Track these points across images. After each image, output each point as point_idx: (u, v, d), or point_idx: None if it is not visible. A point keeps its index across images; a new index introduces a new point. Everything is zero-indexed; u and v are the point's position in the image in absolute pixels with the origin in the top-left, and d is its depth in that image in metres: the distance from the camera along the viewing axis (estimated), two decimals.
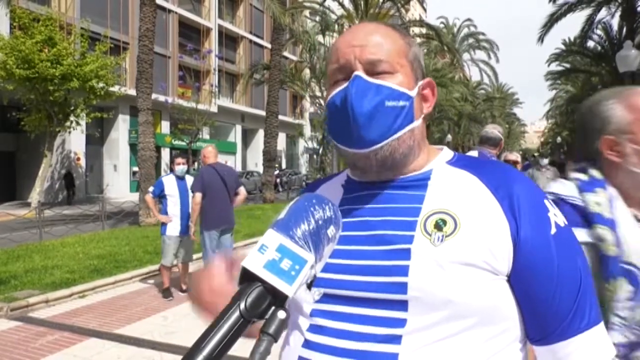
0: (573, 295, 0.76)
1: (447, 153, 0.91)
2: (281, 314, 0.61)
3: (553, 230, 0.78)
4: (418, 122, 0.86)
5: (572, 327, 0.76)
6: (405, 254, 0.76)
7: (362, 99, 0.80)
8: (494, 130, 4.15)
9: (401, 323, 0.74)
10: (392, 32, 0.87)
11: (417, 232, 0.77)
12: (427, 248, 0.75)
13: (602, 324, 0.79)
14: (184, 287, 6.18)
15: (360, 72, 0.82)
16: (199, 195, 5.51)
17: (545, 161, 8.27)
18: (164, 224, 6.01)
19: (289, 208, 0.70)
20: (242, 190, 5.92)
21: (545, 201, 0.81)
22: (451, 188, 0.82)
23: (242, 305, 0.60)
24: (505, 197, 0.78)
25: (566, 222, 0.82)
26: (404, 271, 0.75)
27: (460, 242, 0.75)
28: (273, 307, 0.61)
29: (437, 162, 0.88)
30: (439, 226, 0.77)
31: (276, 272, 0.61)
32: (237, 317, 0.60)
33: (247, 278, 0.62)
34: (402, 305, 0.74)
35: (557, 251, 0.76)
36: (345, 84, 0.82)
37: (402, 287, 0.74)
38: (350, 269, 0.79)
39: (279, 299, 0.62)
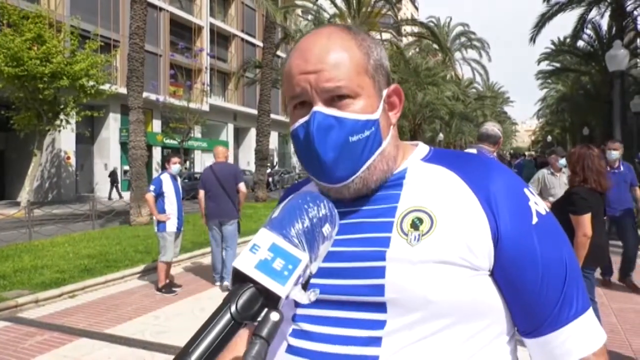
0: (560, 284, 0.75)
1: (422, 149, 0.89)
2: (274, 316, 0.59)
3: (534, 220, 0.76)
4: (387, 140, 0.82)
5: (561, 317, 0.75)
6: (382, 256, 0.75)
7: (325, 140, 0.76)
8: (493, 127, 4.19)
9: (380, 325, 0.73)
10: (348, 42, 0.80)
11: (393, 233, 0.76)
12: (403, 248, 0.74)
13: (590, 310, 0.78)
14: (167, 281, 6.21)
15: (319, 107, 0.77)
16: (200, 192, 6.28)
17: (563, 161, 6.00)
18: (161, 223, 6.11)
19: (282, 206, 0.68)
20: (240, 187, 6.28)
21: (525, 190, 0.79)
22: (427, 185, 0.80)
23: (233, 307, 0.58)
24: (482, 190, 0.76)
25: (548, 210, 0.80)
26: (380, 273, 0.74)
27: (437, 241, 0.73)
28: (266, 309, 0.60)
29: (412, 160, 0.86)
30: (415, 225, 0.75)
31: (268, 273, 0.60)
32: (228, 319, 0.58)
33: (239, 279, 0.61)
34: (381, 307, 0.73)
35: (540, 241, 0.75)
36: (306, 117, 0.78)
37: (380, 289, 0.73)
38: (328, 272, 0.77)
39: (271, 300, 0.60)
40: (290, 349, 0.79)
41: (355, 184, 0.79)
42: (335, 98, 0.77)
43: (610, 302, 5.28)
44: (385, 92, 0.82)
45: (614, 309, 5.06)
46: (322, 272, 0.76)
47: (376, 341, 0.73)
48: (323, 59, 0.77)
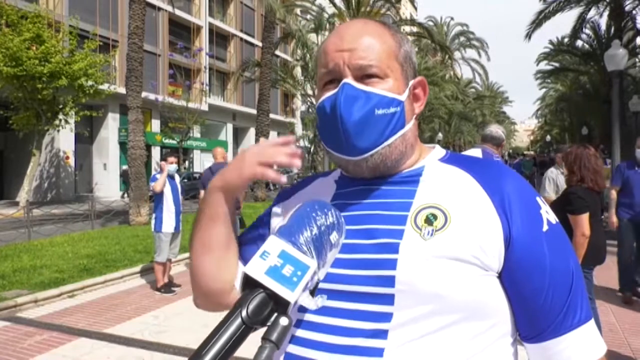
0: (565, 292, 0.76)
1: (439, 151, 0.92)
2: (283, 321, 0.61)
3: (545, 228, 0.78)
4: (409, 125, 0.85)
5: (564, 325, 0.76)
6: (394, 248, 0.76)
7: (351, 108, 0.78)
8: (497, 130, 4.36)
9: (387, 317, 0.74)
10: (382, 30, 0.85)
11: (407, 227, 0.77)
12: (416, 242, 0.75)
13: (592, 321, 0.79)
14: (166, 280, 6.23)
15: (349, 79, 0.80)
16: (201, 192, 6.69)
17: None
18: (157, 223, 6.09)
19: (291, 214, 0.70)
20: None
21: (537, 198, 0.81)
22: (443, 184, 0.82)
23: (244, 312, 0.60)
24: (496, 193, 0.78)
25: (557, 220, 0.82)
26: (392, 264, 0.75)
27: (450, 237, 0.75)
28: (275, 314, 0.62)
29: (430, 159, 0.88)
30: (429, 221, 0.77)
31: (278, 279, 0.62)
32: (239, 324, 0.60)
33: (249, 284, 0.63)
34: (389, 299, 0.74)
35: (549, 249, 0.77)
36: (334, 90, 0.81)
37: (390, 281, 0.74)
38: (339, 263, 0.78)
39: (281, 305, 0.62)
40: (295, 340, 0.80)
41: (375, 159, 0.81)
42: (365, 76, 0.81)
43: (609, 301, 5.28)
44: (411, 83, 0.86)
45: (613, 308, 5.07)
46: (334, 263, 0.78)
47: (382, 333, 0.74)
48: (358, 39, 0.82)
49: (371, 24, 0.86)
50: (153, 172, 6.44)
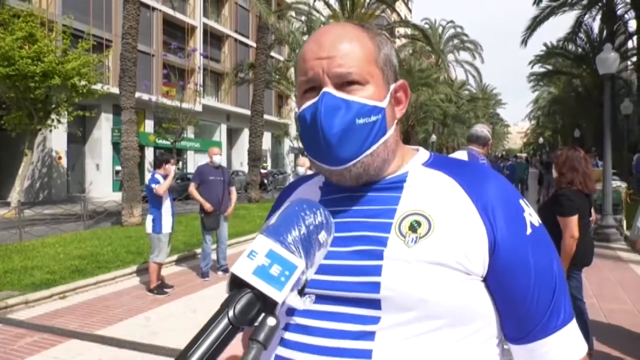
0: (550, 294, 0.78)
1: (423, 154, 0.91)
2: (271, 321, 0.60)
3: (529, 231, 0.79)
4: (391, 131, 0.84)
5: (549, 326, 0.77)
6: (379, 255, 0.76)
7: (332, 118, 0.78)
8: (482, 129, 4.28)
9: (375, 320, 0.75)
10: (360, 34, 0.83)
11: (391, 234, 0.78)
12: (400, 249, 0.76)
13: (574, 321, 0.80)
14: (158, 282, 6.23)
15: (328, 88, 0.79)
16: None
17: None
18: (157, 225, 6.11)
19: (279, 213, 0.70)
20: None
21: (521, 201, 0.82)
22: (426, 189, 0.82)
23: (231, 312, 0.60)
24: (480, 199, 0.79)
25: (540, 222, 0.83)
26: (377, 271, 0.75)
27: (434, 244, 0.75)
28: (263, 314, 0.61)
29: (413, 164, 0.88)
30: (413, 228, 0.77)
31: (265, 278, 0.61)
32: (226, 324, 0.59)
33: (237, 284, 0.62)
34: (376, 303, 0.75)
35: (533, 251, 0.78)
36: (314, 99, 0.80)
37: (375, 287, 0.75)
38: (326, 269, 0.79)
39: (268, 305, 0.61)
40: (284, 342, 0.80)
41: (357, 168, 0.81)
42: (345, 84, 0.80)
43: (600, 302, 5.32)
44: (392, 87, 0.86)
45: (604, 309, 5.11)
46: (320, 269, 0.78)
47: (370, 335, 0.75)
48: (336, 46, 0.81)
49: (349, 28, 0.84)
50: (147, 174, 6.43)
